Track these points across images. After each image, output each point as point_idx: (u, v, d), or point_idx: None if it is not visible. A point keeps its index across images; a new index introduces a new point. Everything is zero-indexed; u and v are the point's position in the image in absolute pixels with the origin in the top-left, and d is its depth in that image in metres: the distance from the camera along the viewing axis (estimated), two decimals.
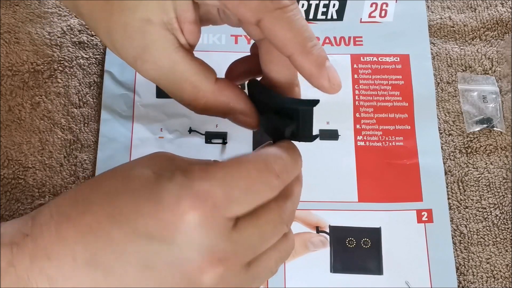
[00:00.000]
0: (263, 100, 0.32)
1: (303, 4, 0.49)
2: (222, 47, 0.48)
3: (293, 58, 0.29)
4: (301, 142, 0.33)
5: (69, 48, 0.48)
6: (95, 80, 0.47)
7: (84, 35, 0.48)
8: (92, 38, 0.48)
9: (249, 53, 0.35)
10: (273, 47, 0.30)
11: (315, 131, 0.45)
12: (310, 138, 0.32)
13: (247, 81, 0.35)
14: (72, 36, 0.48)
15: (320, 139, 0.45)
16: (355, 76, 0.47)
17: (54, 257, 0.27)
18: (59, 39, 0.48)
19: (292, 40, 0.28)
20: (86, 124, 0.46)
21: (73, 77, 0.47)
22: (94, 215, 0.27)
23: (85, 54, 0.48)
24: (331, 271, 0.41)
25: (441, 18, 0.49)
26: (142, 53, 0.31)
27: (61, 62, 0.47)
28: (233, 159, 0.28)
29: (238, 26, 0.34)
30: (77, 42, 0.48)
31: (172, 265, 0.26)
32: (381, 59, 0.48)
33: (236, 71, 0.35)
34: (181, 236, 0.26)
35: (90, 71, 0.47)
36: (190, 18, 0.30)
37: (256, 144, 0.45)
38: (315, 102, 0.29)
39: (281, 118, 0.31)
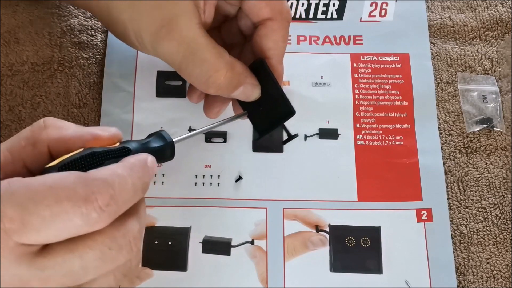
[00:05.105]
0: (262, 78, 0.38)
1: (303, 3, 0.49)
2: None
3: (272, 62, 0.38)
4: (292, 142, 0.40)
5: (69, 48, 0.48)
6: (95, 80, 0.47)
7: (84, 35, 0.48)
8: (92, 38, 0.48)
9: None
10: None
11: (315, 130, 0.45)
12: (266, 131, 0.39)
13: (254, 60, 0.38)
14: (72, 36, 0.48)
15: (320, 138, 0.45)
16: (355, 75, 0.47)
17: None
18: (59, 39, 0.48)
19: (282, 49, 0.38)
20: (86, 125, 0.46)
21: (73, 77, 0.47)
22: None
23: (85, 54, 0.48)
24: (330, 270, 0.41)
25: (441, 18, 0.49)
26: (168, 23, 0.32)
27: (61, 62, 0.47)
28: (56, 180, 0.25)
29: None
30: (77, 42, 0.48)
31: None
32: (381, 58, 0.48)
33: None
34: None
35: (90, 71, 0.47)
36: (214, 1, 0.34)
37: (256, 142, 0.45)
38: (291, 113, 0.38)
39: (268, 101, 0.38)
